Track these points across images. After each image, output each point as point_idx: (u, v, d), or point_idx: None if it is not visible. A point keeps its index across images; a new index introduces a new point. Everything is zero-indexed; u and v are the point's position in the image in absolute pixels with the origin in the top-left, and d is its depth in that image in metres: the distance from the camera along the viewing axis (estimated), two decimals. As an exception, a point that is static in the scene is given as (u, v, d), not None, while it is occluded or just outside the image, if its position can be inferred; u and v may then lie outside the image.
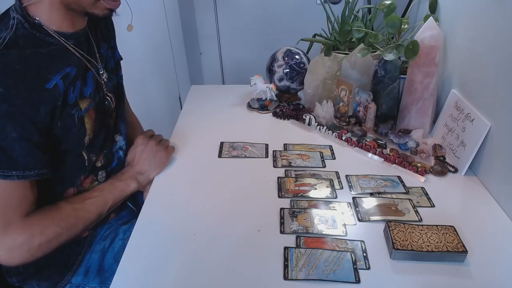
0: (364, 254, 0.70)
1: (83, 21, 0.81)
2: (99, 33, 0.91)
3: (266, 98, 1.26)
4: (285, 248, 0.71)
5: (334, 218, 0.78)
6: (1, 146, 0.66)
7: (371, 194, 0.86)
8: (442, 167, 0.93)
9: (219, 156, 1.01)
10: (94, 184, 0.90)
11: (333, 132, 1.09)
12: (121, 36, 1.03)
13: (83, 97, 0.80)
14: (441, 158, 0.97)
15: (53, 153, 0.76)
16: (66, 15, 0.75)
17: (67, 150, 0.79)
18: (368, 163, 0.98)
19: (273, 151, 1.02)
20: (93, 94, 0.84)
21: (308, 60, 1.25)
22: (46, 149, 0.73)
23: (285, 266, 0.67)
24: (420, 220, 0.78)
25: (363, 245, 0.72)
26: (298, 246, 0.72)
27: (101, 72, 0.88)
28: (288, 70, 1.24)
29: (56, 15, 0.74)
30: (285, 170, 0.95)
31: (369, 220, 0.78)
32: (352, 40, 1.18)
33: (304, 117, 1.16)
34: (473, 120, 0.91)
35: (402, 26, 1.05)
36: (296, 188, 0.87)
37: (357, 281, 0.65)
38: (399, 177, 0.92)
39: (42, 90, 0.70)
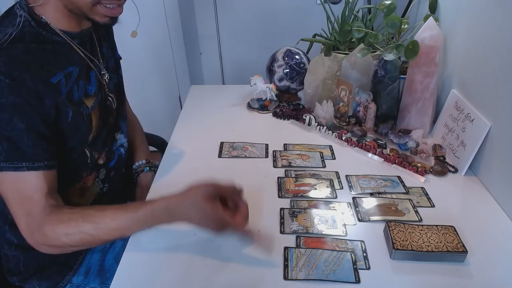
0: (364, 254, 0.70)
1: (88, 21, 0.81)
2: (100, 33, 0.91)
3: (266, 98, 1.26)
4: (285, 248, 0.71)
5: (334, 218, 0.78)
6: (9, 137, 0.66)
7: (371, 194, 0.86)
8: (442, 167, 0.93)
9: (219, 156, 1.01)
10: (96, 182, 0.90)
11: (333, 132, 1.09)
12: (121, 36, 1.03)
13: (88, 95, 0.81)
14: (441, 158, 0.97)
15: (59, 150, 0.76)
16: (70, 17, 0.76)
17: (74, 147, 0.79)
18: (368, 163, 0.98)
19: (273, 151, 1.02)
20: (97, 93, 0.85)
21: (308, 60, 1.25)
22: (52, 142, 0.73)
23: (285, 266, 0.68)
24: (420, 220, 0.78)
25: (363, 245, 0.72)
26: (298, 246, 0.72)
27: (102, 72, 0.88)
28: (288, 70, 1.24)
29: (62, 16, 0.74)
30: (285, 170, 0.95)
31: (369, 220, 0.78)
32: (352, 40, 1.18)
33: (304, 117, 1.16)
34: (473, 120, 0.91)
35: (402, 26, 1.05)
36: (296, 188, 0.87)
37: (357, 281, 0.65)
38: (399, 177, 0.92)
39: (47, 83, 0.70)
